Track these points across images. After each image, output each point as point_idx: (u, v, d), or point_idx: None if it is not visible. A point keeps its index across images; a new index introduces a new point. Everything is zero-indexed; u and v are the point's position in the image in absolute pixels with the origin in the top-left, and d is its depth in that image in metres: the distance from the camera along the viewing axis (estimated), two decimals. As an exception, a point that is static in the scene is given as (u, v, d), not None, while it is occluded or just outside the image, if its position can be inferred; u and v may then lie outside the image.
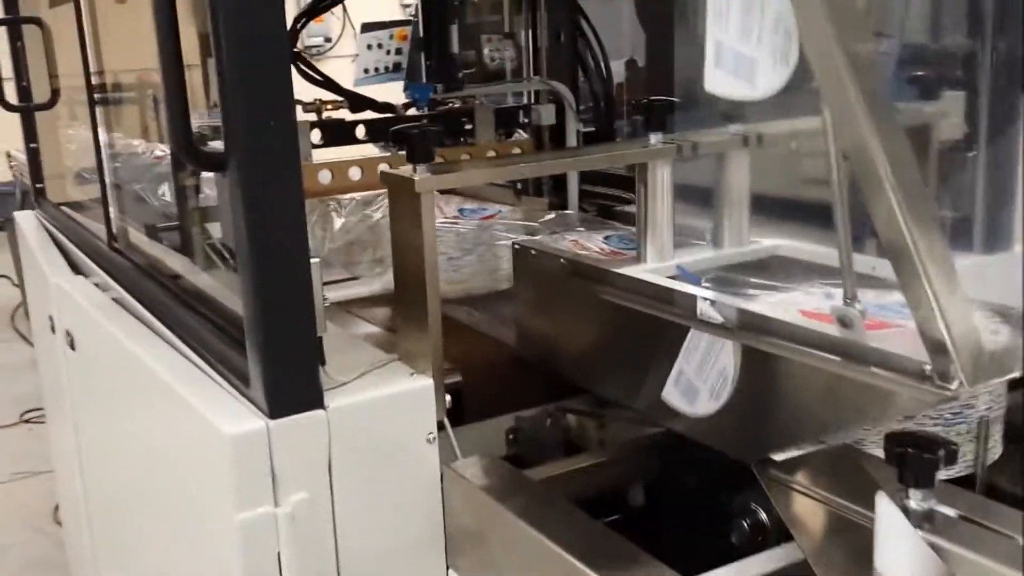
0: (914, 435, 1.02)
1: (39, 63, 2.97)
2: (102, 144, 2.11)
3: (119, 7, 2.16)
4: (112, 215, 2.13)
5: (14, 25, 2.94)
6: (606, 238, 2.19)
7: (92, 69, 2.09)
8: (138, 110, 2.22)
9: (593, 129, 2.49)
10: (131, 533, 1.90)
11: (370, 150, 2.39)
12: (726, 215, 1.58)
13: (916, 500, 1.02)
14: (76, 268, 2.35)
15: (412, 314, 1.37)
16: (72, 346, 2.03)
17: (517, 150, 2.44)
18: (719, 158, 1.54)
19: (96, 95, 2.11)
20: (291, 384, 1.24)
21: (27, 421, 4.90)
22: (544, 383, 1.69)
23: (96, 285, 2.12)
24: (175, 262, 1.73)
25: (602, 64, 2.50)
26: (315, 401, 1.26)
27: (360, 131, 2.29)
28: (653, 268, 1.49)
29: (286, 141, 1.18)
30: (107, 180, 2.13)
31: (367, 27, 2.55)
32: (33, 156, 3.03)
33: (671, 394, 1.39)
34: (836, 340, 1.13)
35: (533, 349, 1.67)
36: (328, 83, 2.27)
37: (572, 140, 2.42)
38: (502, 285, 1.89)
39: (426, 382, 1.34)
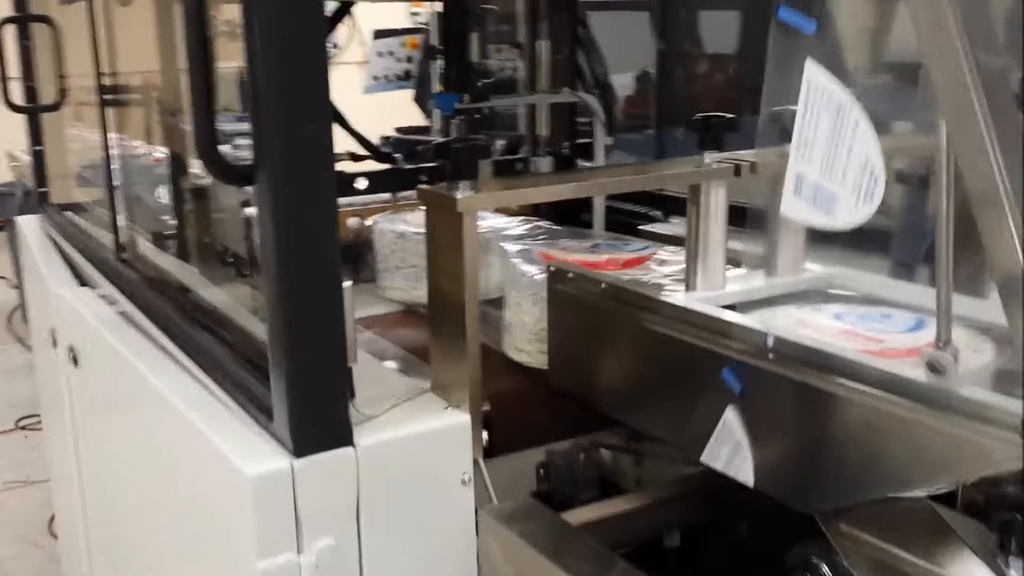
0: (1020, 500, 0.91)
1: (46, 63, 2.88)
2: (111, 149, 2.01)
3: (130, 7, 2.06)
4: (120, 224, 2.03)
5: (22, 23, 2.85)
6: (593, 246, 2.09)
7: (103, 70, 1.99)
8: (148, 113, 2.12)
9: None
10: (135, 561, 1.79)
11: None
12: (780, 240, 1.48)
13: (1018, 571, 0.92)
14: (81, 278, 2.25)
15: (448, 342, 1.27)
16: (75, 362, 1.93)
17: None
18: (774, 179, 1.44)
19: (106, 97, 2.01)
20: (318, 419, 1.14)
21: (23, 428, 4.78)
22: (573, 413, 1.58)
23: (102, 297, 2.02)
24: (189, 278, 1.63)
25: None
26: (343, 438, 1.15)
27: (361, 183, 2.11)
28: (704, 297, 1.39)
29: (321, 154, 1.08)
30: (115, 187, 2.03)
31: (380, 34, 2.46)
32: (38, 159, 2.93)
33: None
34: (920, 386, 1.02)
35: (565, 378, 1.56)
36: (356, 135, 2.15)
37: (600, 154, 2.33)
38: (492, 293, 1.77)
39: (462, 417, 1.24)
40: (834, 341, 1.20)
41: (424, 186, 1.25)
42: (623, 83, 2.86)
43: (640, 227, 2.31)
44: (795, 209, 1.06)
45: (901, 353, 1.15)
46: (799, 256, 1.48)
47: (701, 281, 1.41)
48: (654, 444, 1.59)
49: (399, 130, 3.95)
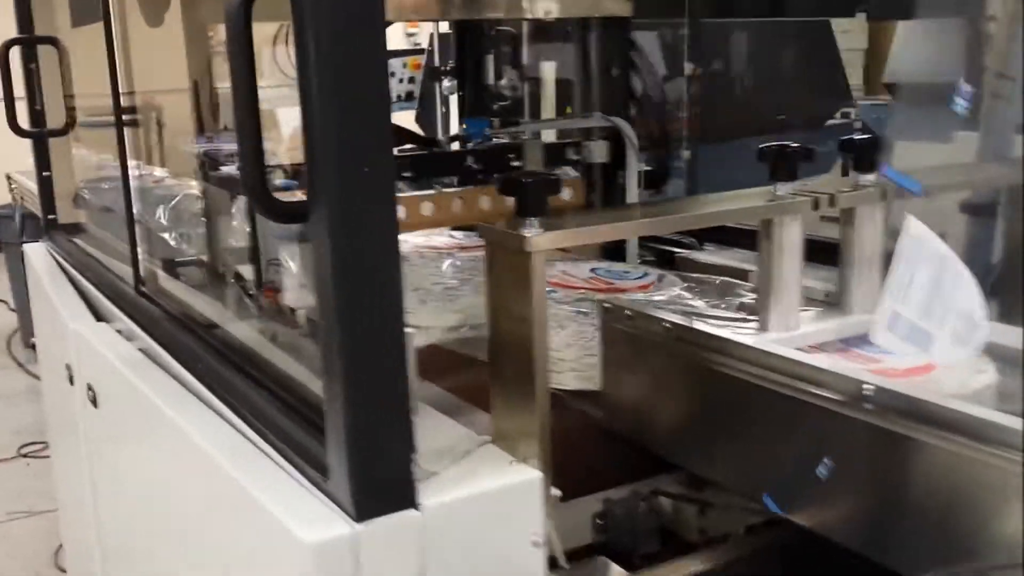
0: None
1: (54, 86, 2.80)
2: (130, 176, 1.92)
3: (152, 28, 1.97)
4: (140, 255, 1.93)
5: (28, 45, 2.76)
6: (592, 269, 2.02)
7: (121, 94, 1.90)
8: (172, 138, 2.03)
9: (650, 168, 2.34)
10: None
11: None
12: (855, 276, 1.39)
13: None
14: (94, 310, 2.15)
15: (512, 390, 1.17)
16: (95, 403, 1.83)
17: (567, 190, 2.26)
18: (849, 211, 1.36)
19: (125, 120, 1.92)
20: (382, 478, 1.04)
21: (25, 456, 4.67)
22: (626, 457, 1.49)
23: (119, 332, 1.92)
24: (222, 316, 1.53)
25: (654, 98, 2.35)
26: (408, 499, 1.06)
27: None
28: (779, 338, 1.30)
29: (382, 189, 0.99)
30: (135, 216, 1.93)
31: None
32: (45, 185, 2.83)
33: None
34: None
35: (622, 421, 1.47)
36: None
37: (633, 181, 2.25)
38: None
39: (531, 474, 1.14)
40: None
41: (487, 224, 1.16)
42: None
43: (677, 254, 2.23)
44: (887, 342, 1.11)
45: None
46: (875, 292, 1.39)
47: (775, 321, 1.32)
48: (717, 492, 1.50)
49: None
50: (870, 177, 1.37)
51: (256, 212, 1.05)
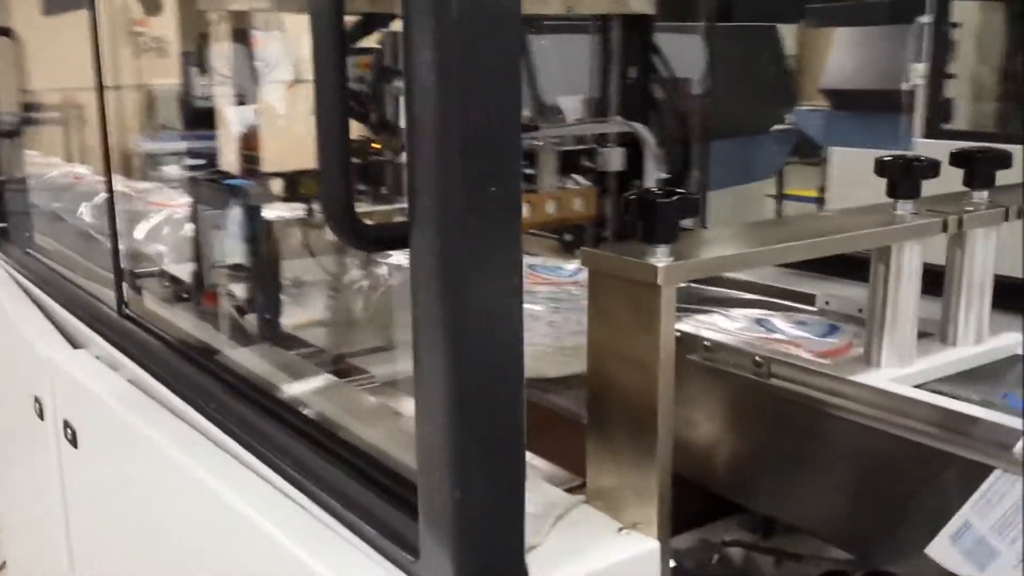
0: None
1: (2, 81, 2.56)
2: (115, 179, 1.69)
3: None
4: (123, 272, 1.72)
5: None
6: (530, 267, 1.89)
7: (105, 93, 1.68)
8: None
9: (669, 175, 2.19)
10: None
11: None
12: (962, 304, 1.25)
13: None
14: (63, 332, 1.92)
15: (620, 445, 1.00)
16: (73, 443, 1.60)
17: (580, 200, 2.10)
18: (958, 235, 1.22)
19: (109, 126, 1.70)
20: (489, 562, 0.86)
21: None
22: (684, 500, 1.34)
23: (98, 358, 1.70)
24: (243, 351, 1.33)
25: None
26: (517, 583, 0.88)
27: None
28: (895, 376, 1.15)
29: (509, 215, 0.81)
30: (118, 227, 1.72)
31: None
32: (-5, 191, 2.57)
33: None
34: None
35: (692, 463, 1.31)
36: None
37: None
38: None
39: (649, 544, 0.97)
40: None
41: (589, 248, 0.99)
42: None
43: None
44: (944, 554, 1.01)
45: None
46: (984, 323, 1.26)
47: (888, 356, 1.17)
48: (790, 539, 1.36)
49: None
50: (983, 194, 1.23)
51: (339, 239, 0.86)
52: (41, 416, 1.76)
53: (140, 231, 1.91)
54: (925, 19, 3.98)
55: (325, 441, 1.08)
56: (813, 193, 6.65)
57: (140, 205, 1.88)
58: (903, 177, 1.13)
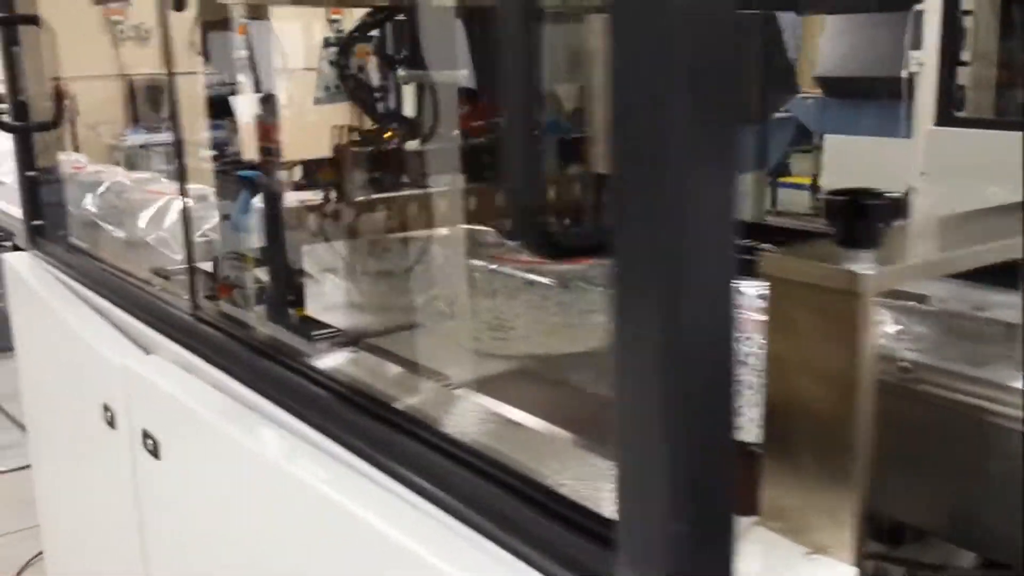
0: None
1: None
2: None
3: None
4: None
5: (7, 25, 2.40)
6: None
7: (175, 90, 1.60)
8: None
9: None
10: None
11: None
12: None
13: None
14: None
15: (807, 463, 0.93)
16: (155, 453, 1.53)
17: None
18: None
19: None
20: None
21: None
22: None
23: (174, 363, 1.62)
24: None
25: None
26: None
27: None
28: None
29: (723, 218, 0.73)
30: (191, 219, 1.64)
31: (328, 43, 2.12)
32: (30, 186, 2.48)
33: None
34: None
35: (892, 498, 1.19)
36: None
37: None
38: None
39: (846, 571, 0.90)
40: None
41: (772, 253, 0.91)
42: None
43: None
44: None
45: None
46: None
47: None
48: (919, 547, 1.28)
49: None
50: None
51: (526, 249, 0.78)
52: (112, 425, 1.68)
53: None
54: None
55: (479, 463, 1.00)
56: (807, 180, 6.59)
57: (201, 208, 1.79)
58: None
